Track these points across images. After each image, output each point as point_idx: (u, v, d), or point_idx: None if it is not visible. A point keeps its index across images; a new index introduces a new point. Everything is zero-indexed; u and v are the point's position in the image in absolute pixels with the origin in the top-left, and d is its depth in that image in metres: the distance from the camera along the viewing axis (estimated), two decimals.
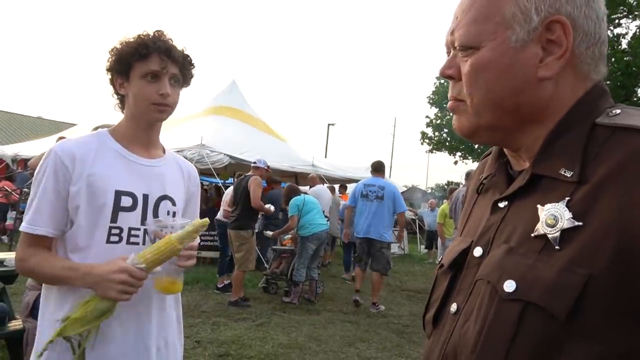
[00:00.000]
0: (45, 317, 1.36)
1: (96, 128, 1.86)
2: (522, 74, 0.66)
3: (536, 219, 0.62)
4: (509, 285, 0.60)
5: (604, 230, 0.55)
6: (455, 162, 19.66)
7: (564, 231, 0.58)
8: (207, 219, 1.33)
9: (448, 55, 0.75)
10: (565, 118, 0.66)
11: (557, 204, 0.60)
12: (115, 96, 1.47)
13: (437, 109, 19.63)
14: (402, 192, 19.95)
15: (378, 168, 6.54)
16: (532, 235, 0.62)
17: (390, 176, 22.57)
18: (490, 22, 0.67)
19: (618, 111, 0.63)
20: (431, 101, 19.47)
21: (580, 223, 0.57)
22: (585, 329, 0.54)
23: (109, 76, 1.44)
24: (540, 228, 0.61)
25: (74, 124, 16.84)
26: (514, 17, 0.66)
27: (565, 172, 0.62)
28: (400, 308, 6.45)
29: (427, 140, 20.08)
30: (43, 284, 1.40)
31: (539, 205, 0.63)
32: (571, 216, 0.58)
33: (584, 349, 0.53)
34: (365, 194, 6.26)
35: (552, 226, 0.60)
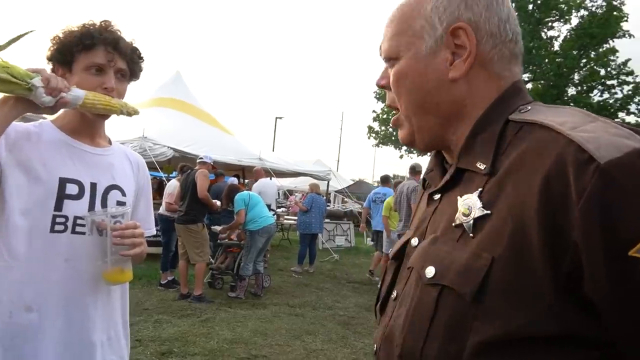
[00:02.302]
0: None
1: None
2: (435, 76, 0.73)
3: (457, 210, 0.68)
4: (430, 271, 0.66)
5: (504, 217, 0.60)
6: (401, 156, 20.11)
7: (476, 219, 0.64)
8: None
9: None
10: (483, 115, 0.71)
11: (471, 194, 0.66)
12: None
13: (384, 104, 19.96)
14: (349, 186, 20.25)
15: (385, 180, 8.77)
16: (453, 224, 0.68)
17: (337, 169, 22.80)
18: (405, 34, 0.75)
19: (529, 108, 0.69)
20: (377, 96, 19.77)
21: (489, 212, 0.63)
22: (488, 308, 0.59)
23: (50, 66, 1.36)
24: (459, 218, 0.67)
25: None
26: (422, 29, 0.74)
27: (480, 165, 0.68)
28: (345, 300, 6.55)
29: (373, 135, 20.40)
30: None
31: (458, 197, 0.69)
32: (481, 205, 0.64)
33: (488, 327, 0.58)
34: (374, 200, 8.44)
35: (467, 215, 0.65)
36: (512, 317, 0.57)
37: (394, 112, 0.82)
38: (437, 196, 0.77)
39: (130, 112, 1.35)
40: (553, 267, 0.56)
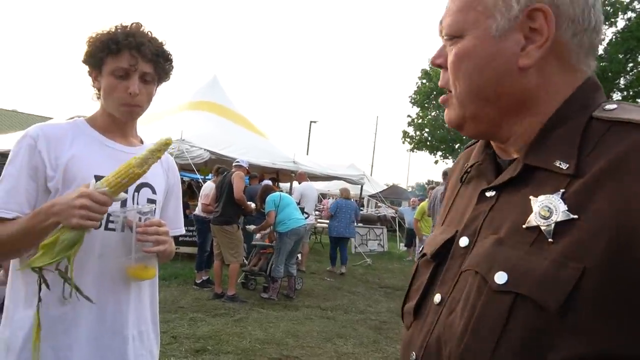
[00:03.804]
0: (14, 305, 1.32)
1: (71, 118, 1.84)
2: (502, 63, 0.65)
3: (528, 211, 0.61)
4: (500, 277, 0.59)
5: (600, 225, 0.54)
6: (436, 162, 19.88)
7: (558, 224, 0.57)
8: (171, 138, 1.30)
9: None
10: (561, 109, 0.64)
11: (551, 195, 0.59)
12: (93, 86, 1.44)
13: (419, 109, 19.79)
14: (383, 191, 20.12)
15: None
16: (524, 226, 0.60)
17: (371, 174, 22.68)
18: (473, 10, 0.67)
19: (614, 106, 0.62)
20: (413, 101, 19.61)
21: (576, 216, 0.56)
22: (577, 324, 0.53)
23: (86, 67, 1.42)
24: (533, 220, 0.60)
25: (50, 117, 16.50)
26: (495, 6, 0.65)
27: (560, 164, 0.60)
28: (378, 305, 6.51)
29: (408, 139, 20.23)
30: (10, 273, 1.36)
31: (531, 197, 0.61)
32: (566, 209, 0.57)
33: (575, 344, 0.53)
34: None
35: (546, 218, 0.58)
36: (605, 336, 0.52)
37: (446, 92, 0.74)
38: (490, 193, 0.69)
39: (157, 150, 1.29)
40: None
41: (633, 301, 0.51)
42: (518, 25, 0.64)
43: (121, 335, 1.37)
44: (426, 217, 8.83)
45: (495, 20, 0.65)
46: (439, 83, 0.74)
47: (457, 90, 0.70)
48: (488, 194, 0.69)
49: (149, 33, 1.39)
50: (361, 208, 15.54)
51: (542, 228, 0.58)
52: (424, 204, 9.15)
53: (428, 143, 19.29)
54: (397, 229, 14.61)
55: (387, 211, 17.36)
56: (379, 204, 18.50)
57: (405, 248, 13.02)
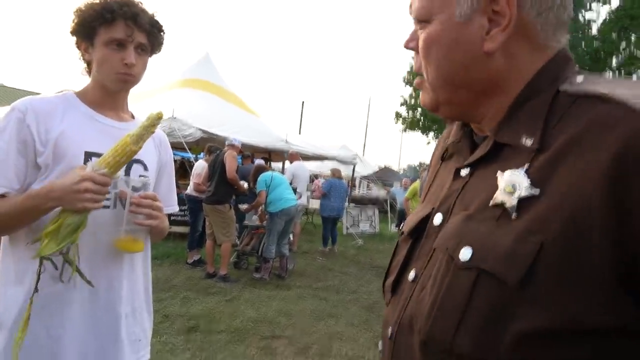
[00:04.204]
0: (4, 282, 1.30)
1: (60, 92, 1.79)
2: (468, 48, 0.65)
3: (496, 187, 0.61)
4: (466, 253, 0.60)
5: (559, 198, 0.55)
6: (428, 143, 19.86)
7: (521, 199, 0.58)
8: (162, 111, 1.28)
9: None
10: (528, 86, 0.64)
11: (515, 170, 0.59)
12: (82, 60, 1.40)
13: (412, 89, 19.68)
14: (375, 172, 20.14)
15: None
16: (491, 203, 0.61)
17: (363, 155, 22.69)
18: None
19: (582, 78, 0.62)
20: (406, 81, 19.47)
21: (537, 190, 0.57)
22: (537, 295, 0.54)
23: (74, 39, 1.37)
24: (499, 196, 0.60)
25: (37, 93, 16.22)
26: None
27: (525, 139, 0.61)
28: (369, 285, 6.56)
29: (401, 120, 20.17)
30: (1, 250, 1.34)
31: (498, 172, 0.62)
32: (529, 184, 0.58)
33: (535, 314, 0.54)
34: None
35: (511, 194, 0.59)
36: (563, 306, 0.53)
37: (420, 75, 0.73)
38: (465, 171, 0.69)
39: (150, 125, 1.28)
40: (613, 256, 0.51)
41: (589, 272, 0.52)
42: (481, 8, 0.63)
43: (114, 313, 1.36)
44: (417, 198, 8.88)
45: (459, 5, 0.64)
46: (414, 67, 0.73)
47: (428, 76, 0.69)
48: (462, 171, 0.70)
49: (140, 3, 1.36)
50: (353, 188, 15.57)
51: (506, 204, 0.59)
52: (416, 184, 9.18)
53: (420, 123, 19.23)
54: (389, 209, 14.69)
55: (378, 192, 17.42)
56: (371, 185, 18.56)
57: (397, 229, 13.13)
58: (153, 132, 1.28)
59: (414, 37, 0.72)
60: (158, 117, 1.26)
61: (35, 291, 1.21)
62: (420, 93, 0.74)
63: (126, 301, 1.39)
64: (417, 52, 0.71)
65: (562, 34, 0.66)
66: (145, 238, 1.43)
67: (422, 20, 0.68)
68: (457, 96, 0.69)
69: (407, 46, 0.73)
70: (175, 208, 1.62)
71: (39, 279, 1.21)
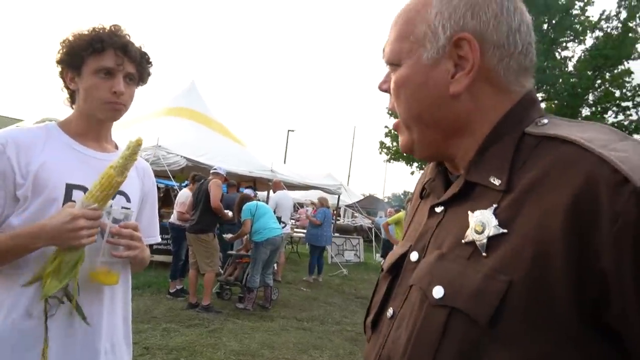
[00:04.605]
0: None
1: (41, 122, 1.78)
2: (435, 90, 0.68)
3: (467, 226, 0.63)
4: (438, 291, 0.61)
5: (524, 237, 0.56)
6: (412, 173, 20.01)
7: (490, 238, 0.59)
8: (141, 137, 1.29)
9: None
10: (495, 129, 0.67)
11: (485, 210, 0.61)
12: (65, 90, 1.40)
13: (396, 119, 19.95)
14: (360, 201, 20.17)
15: None
16: (463, 241, 0.63)
17: (348, 184, 22.76)
18: (407, 40, 0.70)
19: (546, 121, 0.64)
20: (390, 112, 19.78)
21: (505, 230, 0.58)
22: (505, 334, 0.55)
23: (59, 69, 1.37)
24: (470, 234, 0.62)
25: (20, 120, 16.05)
26: (425, 36, 0.68)
27: (494, 180, 0.63)
28: (354, 316, 6.49)
29: (385, 150, 20.38)
30: None
31: (469, 212, 0.64)
32: (497, 223, 0.59)
33: (505, 354, 0.54)
34: None
35: (480, 233, 0.61)
36: (531, 344, 0.54)
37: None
38: (439, 209, 0.71)
39: (132, 154, 1.28)
40: (577, 294, 0.52)
41: (556, 311, 0.53)
42: (447, 53, 0.67)
43: (93, 349, 1.32)
44: (402, 226, 8.91)
45: (426, 50, 0.68)
46: (388, 106, 0.77)
47: (400, 116, 0.73)
48: (437, 209, 0.72)
49: (128, 35, 1.37)
50: (338, 218, 15.56)
51: (477, 243, 0.61)
52: (401, 213, 9.23)
53: (404, 154, 19.43)
54: (374, 239, 14.66)
55: (363, 221, 17.42)
56: (356, 214, 18.56)
57: (382, 258, 13.08)
58: (135, 160, 1.29)
59: (386, 80, 0.75)
60: (138, 144, 1.27)
61: (46, 329, 1.22)
62: (399, 137, 0.77)
63: (105, 336, 1.35)
64: (389, 93, 0.75)
65: (526, 78, 0.69)
66: (124, 270, 1.40)
67: (392, 63, 0.72)
68: (427, 135, 0.72)
69: (380, 88, 0.77)
70: (157, 239, 1.60)
71: (47, 317, 1.22)
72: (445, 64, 0.67)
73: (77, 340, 1.29)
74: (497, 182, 0.62)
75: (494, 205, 0.61)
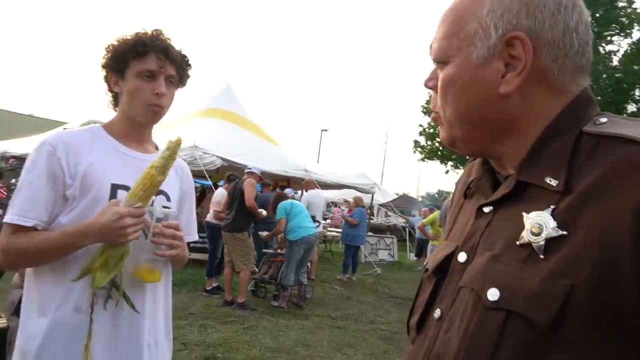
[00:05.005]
0: (28, 312, 1.33)
1: (86, 123, 1.85)
2: (483, 89, 0.66)
3: (521, 227, 0.61)
4: (493, 294, 0.60)
5: (587, 241, 0.54)
6: (447, 172, 19.73)
7: (548, 240, 0.57)
8: (180, 137, 1.33)
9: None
10: (549, 127, 0.65)
11: (542, 212, 0.60)
12: (109, 93, 1.45)
13: (430, 118, 19.71)
14: (393, 200, 20.01)
15: None
16: (517, 243, 0.61)
17: (381, 183, 22.62)
18: (456, 38, 0.68)
19: (605, 119, 0.62)
20: (425, 110, 19.53)
21: (565, 232, 0.57)
22: (566, 340, 0.53)
23: (104, 73, 1.43)
24: (526, 236, 0.60)
25: (65, 122, 16.70)
26: (475, 34, 0.67)
27: (550, 180, 0.61)
28: (388, 315, 6.46)
29: (419, 149, 20.15)
30: (25, 281, 1.37)
31: (524, 213, 0.62)
32: (556, 225, 0.57)
33: (565, 359, 0.53)
34: None
35: (537, 235, 0.59)
36: (593, 351, 0.52)
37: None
38: (488, 209, 0.69)
39: (171, 154, 1.32)
40: None
41: (621, 318, 0.52)
42: (497, 53, 0.65)
43: (137, 343, 1.36)
44: (437, 227, 8.80)
45: (476, 48, 0.66)
46: (430, 105, 0.76)
47: (445, 114, 0.71)
48: (485, 209, 0.70)
49: (169, 39, 1.42)
50: (371, 217, 15.49)
51: (534, 245, 0.59)
52: (436, 213, 9.12)
53: (439, 153, 19.17)
54: (407, 238, 14.51)
55: (397, 220, 17.27)
56: (389, 213, 18.43)
57: (416, 258, 12.94)
58: (175, 160, 1.33)
59: (432, 77, 0.74)
60: (177, 144, 1.31)
61: (91, 321, 1.28)
62: (440, 130, 0.76)
63: (148, 332, 1.40)
64: (435, 90, 0.74)
65: (582, 77, 0.67)
66: (165, 268, 1.45)
67: (440, 61, 0.71)
68: (473, 134, 0.70)
69: (426, 85, 0.76)
70: (194, 237, 1.64)
71: (92, 310, 1.28)
72: (496, 63, 0.66)
73: (122, 335, 1.34)
74: (553, 182, 0.60)
75: (552, 207, 0.59)
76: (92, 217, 1.28)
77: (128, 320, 1.34)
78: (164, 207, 1.45)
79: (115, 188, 1.35)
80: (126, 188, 1.35)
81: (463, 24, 0.68)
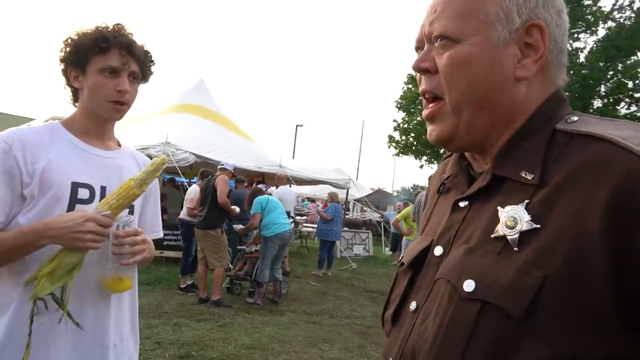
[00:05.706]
0: None
1: (51, 119, 1.80)
2: (502, 71, 0.67)
3: (496, 220, 0.63)
4: (469, 285, 0.61)
5: (559, 233, 0.56)
6: (421, 166, 19.97)
7: (522, 233, 0.60)
8: (165, 157, 1.33)
9: (418, 53, 0.75)
10: (528, 121, 0.68)
11: (516, 206, 0.62)
12: (68, 88, 1.41)
13: (405, 113, 19.91)
14: (368, 195, 20.16)
15: None
16: (492, 236, 0.63)
17: (357, 178, 22.75)
18: (474, 18, 0.68)
19: (575, 118, 0.65)
20: (399, 105, 19.70)
21: (538, 226, 0.59)
22: (539, 329, 0.55)
23: (62, 67, 1.38)
24: (500, 229, 0.62)
25: (32, 119, 16.21)
26: (497, 17, 0.67)
27: (526, 174, 0.63)
28: (363, 309, 6.51)
29: (394, 144, 20.32)
30: None
31: (499, 207, 0.64)
32: (529, 218, 0.60)
33: (537, 348, 0.54)
34: None
35: (512, 228, 0.61)
36: (565, 340, 0.54)
37: (425, 97, 0.73)
38: (463, 203, 0.71)
39: (154, 170, 1.32)
40: (614, 291, 0.53)
41: (589, 308, 0.53)
42: (517, 38, 0.67)
43: (101, 343, 1.34)
44: (410, 222, 8.91)
45: (497, 30, 0.67)
46: (424, 87, 0.73)
47: (453, 97, 0.70)
48: (461, 204, 0.72)
49: (131, 34, 1.39)
50: (347, 212, 15.57)
51: (508, 237, 0.61)
52: (409, 208, 9.22)
53: (413, 148, 19.38)
54: (382, 233, 14.65)
55: (372, 215, 17.41)
56: (365, 208, 18.56)
57: (391, 252, 13.09)
58: (156, 177, 1.32)
59: (427, 58, 0.72)
60: (162, 163, 1.30)
61: (29, 333, 1.20)
62: (432, 126, 0.74)
63: (114, 331, 1.37)
64: (430, 72, 0.72)
65: (563, 75, 0.72)
66: (133, 272, 1.41)
67: (450, 38, 0.69)
68: (479, 119, 0.69)
69: (419, 66, 0.73)
70: (160, 234, 1.62)
71: (32, 321, 1.21)
72: (513, 48, 0.67)
73: (87, 335, 1.31)
74: (529, 176, 0.62)
75: (526, 200, 0.61)
76: (51, 216, 1.25)
77: (93, 320, 1.32)
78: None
79: (75, 186, 1.31)
80: (88, 186, 1.33)
81: (482, 5, 0.68)
